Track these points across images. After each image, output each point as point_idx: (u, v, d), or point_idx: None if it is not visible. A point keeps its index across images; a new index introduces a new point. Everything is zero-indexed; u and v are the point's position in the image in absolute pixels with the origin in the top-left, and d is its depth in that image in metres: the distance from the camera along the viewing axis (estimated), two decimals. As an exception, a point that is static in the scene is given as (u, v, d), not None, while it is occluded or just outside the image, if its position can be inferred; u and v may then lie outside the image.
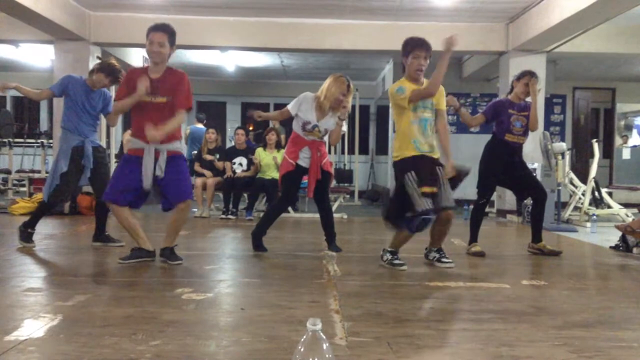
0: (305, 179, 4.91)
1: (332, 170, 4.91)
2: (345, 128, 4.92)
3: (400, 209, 4.00)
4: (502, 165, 4.96)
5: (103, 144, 8.32)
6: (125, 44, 9.55)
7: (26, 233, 4.81)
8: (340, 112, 4.67)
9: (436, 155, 4.10)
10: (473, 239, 4.99)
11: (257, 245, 4.78)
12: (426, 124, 4.04)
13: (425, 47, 4.03)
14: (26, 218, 7.18)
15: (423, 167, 3.95)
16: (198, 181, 7.97)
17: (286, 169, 4.74)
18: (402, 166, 4.02)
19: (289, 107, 4.72)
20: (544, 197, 5.03)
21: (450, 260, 4.23)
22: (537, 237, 5.02)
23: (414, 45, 4.03)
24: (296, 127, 4.74)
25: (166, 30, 3.98)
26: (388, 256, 4.22)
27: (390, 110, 11.01)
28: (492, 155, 4.99)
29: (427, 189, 3.87)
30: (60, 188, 4.76)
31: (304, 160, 4.68)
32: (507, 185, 5.39)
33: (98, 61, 5.33)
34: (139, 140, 4.00)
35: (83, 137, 4.76)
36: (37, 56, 11.41)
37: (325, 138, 4.81)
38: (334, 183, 12.47)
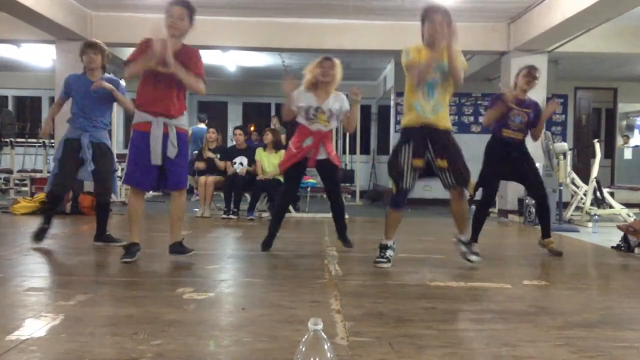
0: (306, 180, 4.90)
1: (340, 164, 4.83)
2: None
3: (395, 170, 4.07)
4: (501, 161, 4.92)
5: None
6: (126, 44, 9.51)
7: (40, 228, 4.77)
8: (352, 92, 4.57)
9: (442, 124, 4.02)
10: (473, 238, 4.99)
11: (267, 244, 4.77)
12: (432, 87, 3.98)
13: (441, 12, 3.97)
14: (27, 218, 7.24)
15: (419, 139, 3.97)
16: (201, 180, 7.98)
17: (289, 161, 4.67)
18: (403, 134, 4.09)
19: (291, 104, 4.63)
20: (540, 199, 4.99)
21: (475, 259, 4.19)
22: (543, 233, 5.01)
23: (429, 11, 4.00)
24: (301, 118, 4.64)
25: (186, 5, 3.98)
26: (462, 248, 4.22)
27: (391, 110, 10.90)
28: (489, 152, 4.98)
29: (417, 162, 3.96)
30: (57, 175, 4.75)
31: (307, 149, 4.61)
32: (514, 180, 5.30)
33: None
34: (145, 114, 3.93)
35: (81, 131, 4.71)
36: (39, 56, 11.42)
37: (333, 124, 4.67)
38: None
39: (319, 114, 4.57)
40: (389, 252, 4.21)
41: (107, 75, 4.89)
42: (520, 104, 4.89)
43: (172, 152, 3.93)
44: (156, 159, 3.92)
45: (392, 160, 4.14)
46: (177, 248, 4.14)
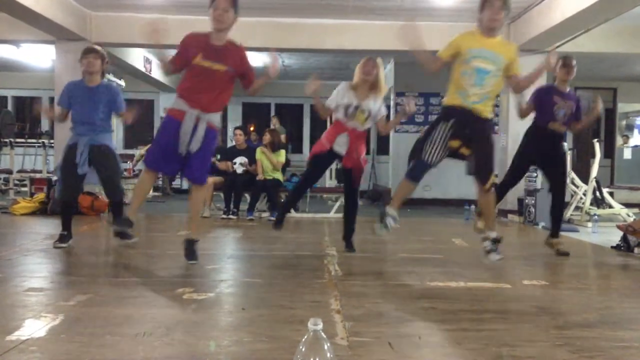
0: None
1: (364, 167, 4.82)
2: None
3: (420, 149, 4.05)
4: (537, 148, 4.90)
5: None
6: (126, 44, 9.55)
7: (60, 235, 4.76)
8: (407, 103, 4.64)
9: (485, 114, 3.99)
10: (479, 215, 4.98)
11: (279, 222, 4.83)
12: (482, 75, 3.92)
13: (504, 3, 3.95)
14: (27, 218, 7.24)
15: (461, 121, 3.94)
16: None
17: (318, 149, 4.71)
18: (443, 112, 4.09)
19: (327, 102, 4.69)
20: (558, 199, 5.00)
21: (498, 258, 4.09)
22: (552, 233, 5.02)
23: (500, 5, 3.95)
24: (339, 114, 4.64)
25: None
26: (488, 244, 4.13)
27: (391, 110, 10.90)
28: (528, 137, 4.98)
29: (453, 142, 3.95)
30: (61, 183, 4.76)
31: (339, 145, 4.60)
32: (542, 169, 5.28)
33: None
34: (183, 102, 3.91)
35: (78, 135, 4.70)
36: (38, 56, 11.42)
37: (368, 125, 4.68)
38: (335, 183, 12.50)
39: (358, 113, 4.59)
40: (389, 220, 4.12)
41: (106, 81, 4.87)
42: (563, 96, 4.86)
43: (194, 146, 3.90)
44: (183, 148, 3.90)
45: (425, 134, 4.11)
46: (188, 246, 4.10)
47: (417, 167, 4.09)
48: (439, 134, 3.99)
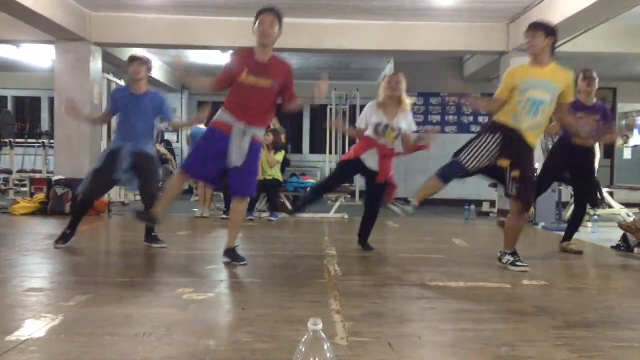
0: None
1: (394, 184, 4.84)
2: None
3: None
4: (564, 163, 4.98)
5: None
6: (126, 44, 9.55)
7: (62, 234, 4.76)
8: (426, 132, 4.79)
9: (531, 140, 4.01)
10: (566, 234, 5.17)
11: (299, 208, 5.12)
12: (537, 105, 3.93)
13: (532, 27, 4.00)
14: (27, 218, 7.24)
15: (512, 142, 3.95)
16: (201, 182, 7.97)
17: (347, 157, 4.87)
18: (493, 126, 4.10)
19: (358, 124, 4.83)
20: (581, 205, 5.10)
21: (525, 265, 4.08)
22: (565, 236, 5.12)
23: (528, 28, 4.02)
24: (369, 132, 4.71)
25: (276, 12, 3.98)
26: (509, 258, 4.15)
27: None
28: (555, 153, 5.06)
29: (502, 162, 3.96)
30: (92, 182, 4.74)
31: (368, 158, 4.68)
32: (569, 183, 5.42)
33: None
34: (230, 116, 3.94)
35: (121, 141, 4.74)
36: (38, 56, 11.42)
37: (398, 145, 4.75)
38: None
39: (389, 131, 4.65)
40: (407, 208, 4.25)
41: (153, 89, 4.91)
42: (587, 110, 4.81)
43: (238, 159, 3.93)
44: (235, 160, 3.92)
45: (469, 140, 4.16)
46: (231, 254, 4.14)
47: (451, 167, 4.12)
48: (483, 144, 4.02)
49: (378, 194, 4.78)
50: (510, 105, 4.00)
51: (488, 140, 4.01)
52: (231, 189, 4.18)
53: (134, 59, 4.82)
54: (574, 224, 5.14)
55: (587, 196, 5.13)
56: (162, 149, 12.51)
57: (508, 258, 4.16)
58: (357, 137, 4.89)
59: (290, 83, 4.07)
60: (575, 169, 5.01)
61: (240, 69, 3.91)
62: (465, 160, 4.04)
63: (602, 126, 4.82)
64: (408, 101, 4.80)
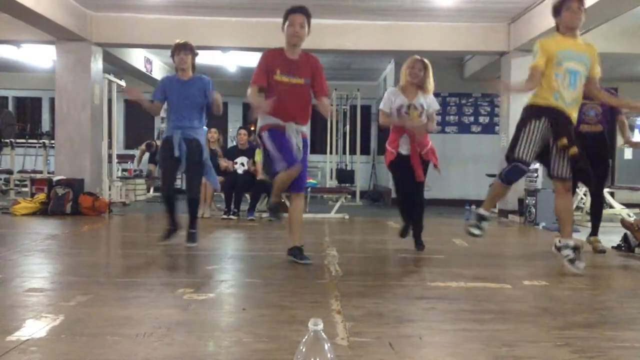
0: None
1: (436, 160, 4.79)
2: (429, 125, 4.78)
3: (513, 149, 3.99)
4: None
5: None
6: (126, 45, 9.56)
7: (167, 230, 4.88)
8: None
9: (574, 115, 3.96)
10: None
11: (404, 232, 4.93)
12: (575, 77, 3.91)
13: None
14: (27, 218, 7.24)
15: (561, 121, 3.88)
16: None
17: (389, 158, 4.83)
18: (534, 111, 3.96)
19: (381, 109, 4.78)
20: (596, 195, 5.03)
21: (581, 266, 3.96)
22: (592, 231, 5.08)
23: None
24: (394, 119, 4.73)
25: (306, 12, 4.00)
26: (569, 253, 4.01)
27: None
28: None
29: (564, 141, 3.85)
30: (161, 177, 4.94)
31: (404, 147, 4.69)
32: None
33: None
34: (274, 119, 3.99)
35: (174, 129, 4.80)
36: (39, 57, 11.43)
37: (424, 119, 4.72)
38: (335, 183, 12.50)
39: (412, 111, 4.67)
40: (484, 224, 4.11)
41: (198, 75, 4.96)
42: (587, 98, 4.79)
43: (298, 155, 3.98)
44: (298, 154, 3.98)
45: (514, 136, 4.04)
46: (296, 252, 4.15)
47: (514, 170, 4.00)
48: (532, 132, 3.90)
49: (414, 185, 4.72)
50: (547, 81, 3.91)
51: (536, 127, 3.89)
52: (290, 187, 4.16)
53: (181, 46, 4.87)
54: (597, 214, 5.08)
55: (600, 185, 5.00)
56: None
57: (568, 253, 4.01)
58: (387, 124, 4.85)
59: (319, 75, 4.10)
60: (590, 155, 4.90)
61: (274, 69, 3.96)
62: (523, 156, 3.91)
63: (610, 109, 4.78)
64: (431, 87, 4.78)
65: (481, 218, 4.11)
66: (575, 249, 4.07)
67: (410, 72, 4.70)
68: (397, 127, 4.72)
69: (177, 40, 4.98)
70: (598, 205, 5.12)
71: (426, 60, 4.75)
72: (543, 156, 4.03)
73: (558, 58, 3.89)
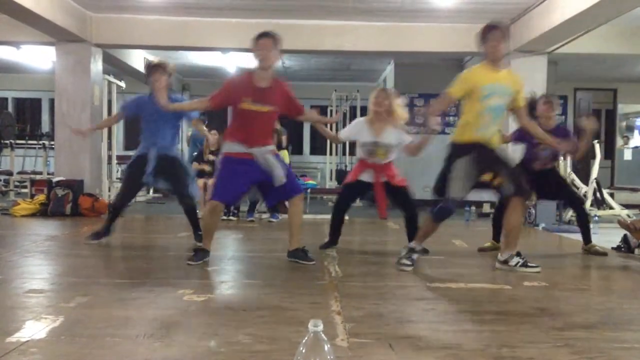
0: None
1: (406, 184, 4.83)
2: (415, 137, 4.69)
3: (442, 189, 4.04)
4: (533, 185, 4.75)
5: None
6: (126, 46, 9.56)
7: (94, 233, 5.01)
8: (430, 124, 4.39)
9: (496, 143, 4.07)
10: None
11: (325, 247, 4.94)
12: (498, 112, 3.97)
13: (499, 29, 4.03)
14: (27, 219, 7.24)
15: (485, 155, 3.94)
16: (200, 182, 7.97)
17: (347, 180, 4.94)
18: (459, 149, 3.99)
19: (340, 134, 4.97)
20: (576, 207, 5.15)
21: (536, 265, 4.07)
22: (584, 239, 5.11)
23: (489, 29, 4.03)
24: (360, 152, 4.80)
25: (273, 36, 4.04)
26: (518, 260, 4.07)
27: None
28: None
29: (486, 177, 3.97)
30: (120, 190, 5.11)
31: (366, 177, 4.75)
32: (546, 197, 5.38)
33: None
34: (240, 145, 4.06)
35: (149, 146, 4.91)
36: (39, 58, 11.42)
37: (392, 157, 4.74)
38: (335, 184, 12.50)
39: (378, 149, 4.67)
40: (415, 256, 4.14)
41: (173, 95, 5.13)
42: (550, 133, 4.66)
43: (278, 175, 4.05)
44: (280, 177, 4.06)
45: (442, 174, 4.10)
46: (300, 255, 4.21)
47: (444, 210, 4.06)
48: (461, 171, 3.93)
49: (400, 197, 4.77)
50: (473, 117, 3.94)
51: (464, 166, 3.92)
52: (286, 195, 4.22)
53: (155, 67, 4.88)
54: (583, 224, 5.11)
55: (575, 199, 5.21)
56: None
57: (517, 260, 4.08)
58: (333, 142, 4.99)
59: (291, 101, 4.18)
60: (540, 185, 4.87)
61: (242, 96, 4.00)
62: (458, 195, 3.97)
63: (565, 145, 4.65)
64: (400, 113, 4.74)
65: (412, 251, 4.14)
66: (519, 254, 4.13)
67: (375, 101, 4.69)
68: (362, 162, 4.77)
69: (152, 61, 5.06)
70: (583, 217, 5.12)
71: (389, 90, 4.80)
72: (478, 186, 4.08)
73: (484, 93, 3.89)
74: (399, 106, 4.77)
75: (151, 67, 4.90)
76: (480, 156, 3.93)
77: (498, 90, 3.92)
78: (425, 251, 4.32)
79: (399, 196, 4.78)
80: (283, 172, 4.08)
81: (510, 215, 4.07)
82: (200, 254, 4.14)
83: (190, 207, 5.07)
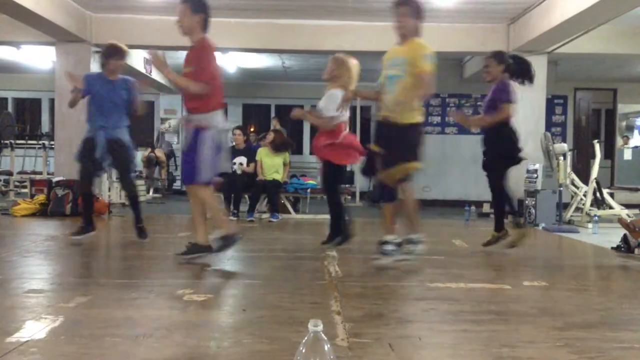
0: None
1: (333, 158, 4.88)
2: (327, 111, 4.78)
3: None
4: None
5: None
6: (126, 46, 9.55)
7: (79, 228, 5.10)
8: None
9: (393, 118, 4.02)
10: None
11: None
12: (391, 82, 4.08)
13: (402, 3, 4.09)
14: (27, 219, 7.23)
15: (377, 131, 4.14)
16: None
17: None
18: (419, 129, 4.14)
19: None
20: (492, 187, 4.92)
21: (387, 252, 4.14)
22: (495, 225, 4.98)
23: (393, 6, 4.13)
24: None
25: (184, 2, 4.04)
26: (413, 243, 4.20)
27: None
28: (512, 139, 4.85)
29: (374, 147, 4.13)
30: (80, 176, 5.13)
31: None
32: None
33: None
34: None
35: (97, 129, 4.87)
36: (39, 58, 11.42)
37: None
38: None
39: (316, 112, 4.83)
40: (389, 246, 4.19)
41: (122, 76, 5.03)
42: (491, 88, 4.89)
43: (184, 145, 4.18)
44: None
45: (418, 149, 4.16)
46: (192, 248, 4.14)
47: (381, 188, 4.24)
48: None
49: (329, 178, 4.92)
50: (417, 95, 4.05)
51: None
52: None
53: (118, 52, 4.93)
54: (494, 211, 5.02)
55: (491, 181, 4.89)
56: (160, 154, 12.50)
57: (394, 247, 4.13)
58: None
59: (196, 64, 4.04)
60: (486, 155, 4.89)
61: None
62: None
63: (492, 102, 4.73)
64: (345, 80, 4.81)
65: (387, 243, 4.17)
66: (400, 244, 4.19)
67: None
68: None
69: (114, 43, 5.05)
70: (493, 202, 5.04)
71: (337, 56, 4.94)
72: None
73: (384, 67, 4.18)
74: (346, 70, 4.84)
75: (115, 51, 4.95)
76: (376, 131, 4.21)
77: (394, 62, 4.07)
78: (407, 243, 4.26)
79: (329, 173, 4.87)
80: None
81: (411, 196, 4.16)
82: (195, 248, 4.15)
83: (132, 193, 5.10)
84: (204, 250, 4.10)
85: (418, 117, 4.06)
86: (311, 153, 4.99)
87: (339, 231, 4.95)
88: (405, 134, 3.97)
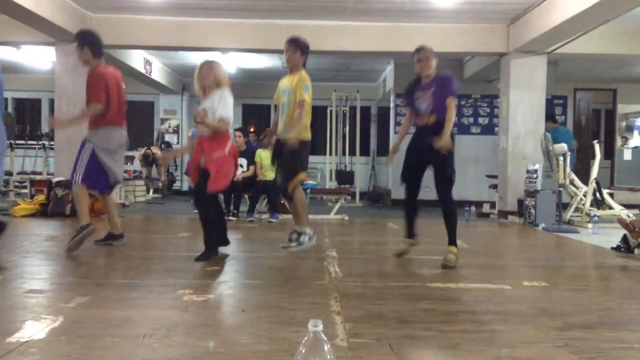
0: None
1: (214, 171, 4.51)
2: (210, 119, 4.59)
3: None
4: (415, 153, 4.59)
5: None
6: (126, 46, 9.55)
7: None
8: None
9: (286, 137, 4.38)
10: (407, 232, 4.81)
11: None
12: (282, 109, 4.56)
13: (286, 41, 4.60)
14: (27, 220, 7.24)
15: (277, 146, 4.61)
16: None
17: None
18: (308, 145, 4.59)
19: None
20: (442, 206, 4.63)
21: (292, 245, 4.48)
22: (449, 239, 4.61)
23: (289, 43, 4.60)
24: None
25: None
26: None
27: (391, 112, 10.88)
28: (411, 142, 4.73)
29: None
30: None
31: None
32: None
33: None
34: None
35: None
36: (39, 58, 11.42)
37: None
38: (335, 184, 12.49)
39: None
40: (302, 238, 4.50)
41: None
42: (424, 88, 4.68)
43: None
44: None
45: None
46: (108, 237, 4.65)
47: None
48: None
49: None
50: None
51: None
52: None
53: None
54: (446, 223, 4.69)
55: (440, 185, 4.56)
56: (157, 151, 12.50)
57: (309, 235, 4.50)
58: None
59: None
60: (423, 154, 4.50)
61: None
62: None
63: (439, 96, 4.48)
64: (216, 81, 4.89)
65: (300, 233, 4.53)
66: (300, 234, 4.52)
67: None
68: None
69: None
70: (446, 214, 4.72)
71: (211, 61, 5.01)
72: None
73: (279, 94, 4.70)
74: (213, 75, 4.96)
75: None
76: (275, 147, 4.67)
77: (283, 91, 4.58)
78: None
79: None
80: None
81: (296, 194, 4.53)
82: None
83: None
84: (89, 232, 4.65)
85: (305, 134, 4.44)
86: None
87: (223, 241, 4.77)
88: (296, 150, 4.38)
